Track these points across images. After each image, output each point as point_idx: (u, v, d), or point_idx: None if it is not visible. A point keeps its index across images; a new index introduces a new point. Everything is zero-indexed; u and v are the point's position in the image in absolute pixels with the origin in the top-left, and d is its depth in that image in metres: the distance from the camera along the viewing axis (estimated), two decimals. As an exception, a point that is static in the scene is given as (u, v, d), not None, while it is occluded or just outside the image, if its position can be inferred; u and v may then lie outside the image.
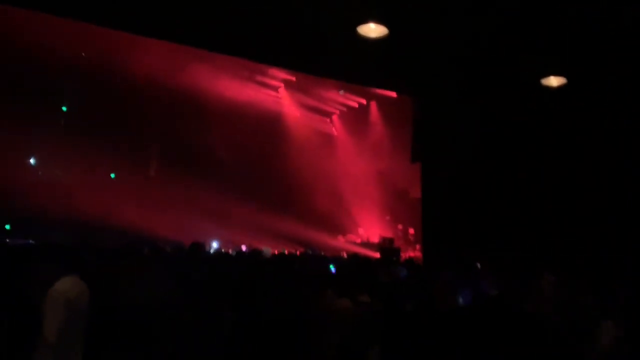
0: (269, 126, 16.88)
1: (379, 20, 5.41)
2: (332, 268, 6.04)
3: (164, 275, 4.93)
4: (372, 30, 5.58)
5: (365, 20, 5.40)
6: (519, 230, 9.04)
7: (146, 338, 4.04)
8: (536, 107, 7.65)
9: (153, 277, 5.05)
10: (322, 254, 10.54)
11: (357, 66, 7.20)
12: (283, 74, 15.75)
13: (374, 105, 17.15)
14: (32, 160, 15.31)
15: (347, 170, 17.38)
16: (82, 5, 6.02)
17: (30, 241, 13.35)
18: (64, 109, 15.55)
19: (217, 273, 5.09)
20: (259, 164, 16.56)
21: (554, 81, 6.57)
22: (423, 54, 6.57)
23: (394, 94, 15.52)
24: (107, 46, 12.60)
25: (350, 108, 17.88)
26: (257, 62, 9.52)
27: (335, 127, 18.95)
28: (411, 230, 16.43)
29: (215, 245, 12.93)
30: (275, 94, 16.90)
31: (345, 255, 11.70)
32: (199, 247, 6.34)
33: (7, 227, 13.84)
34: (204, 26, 6.08)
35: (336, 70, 7.96)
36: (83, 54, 13.41)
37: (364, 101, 17.23)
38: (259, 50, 6.90)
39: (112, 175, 15.96)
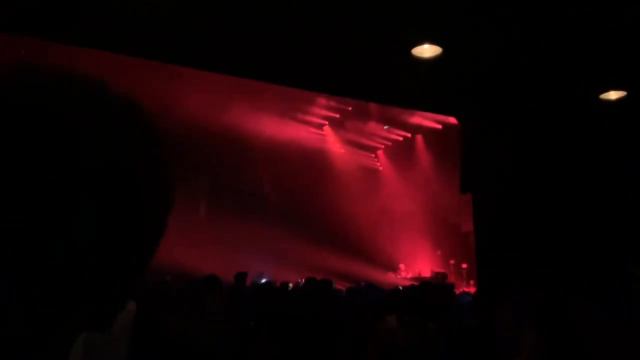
0: (314, 163, 16.99)
1: (432, 41, 5.40)
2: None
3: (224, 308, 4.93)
4: (427, 50, 5.58)
5: (419, 42, 5.41)
6: (579, 261, 8.54)
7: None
8: (594, 125, 7.38)
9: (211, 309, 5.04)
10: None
11: (407, 89, 7.17)
12: (327, 112, 15.95)
13: (419, 138, 17.04)
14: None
15: (395, 205, 17.16)
16: (115, 37, 6.23)
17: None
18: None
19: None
20: (305, 202, 16.58)
21: (613, 95, 6.35)
22: (474, 74, 6.50)
23: (439, 126, 15.42)
24: (151, 85, 13.12)
25: (395, 142, 17.83)
26: (310, 90, 9.62)
27: (381, 162, 18.89)
28: (464, 265, 15.91)
29: (263, 281, 12.85)
30: (320, 131, 17.08)
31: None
32: (243, 276, 6.36)
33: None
34: (253, 56, 6.21)
35: (387, 94, 7.96)
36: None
37: (409, 135, 17.16)
38: (311, 78, 6.99)
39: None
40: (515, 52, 5.81)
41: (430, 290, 5.90)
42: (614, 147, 7.32)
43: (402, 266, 17.11)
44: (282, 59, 6.16)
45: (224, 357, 4.16)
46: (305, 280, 5.75)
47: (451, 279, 15.43)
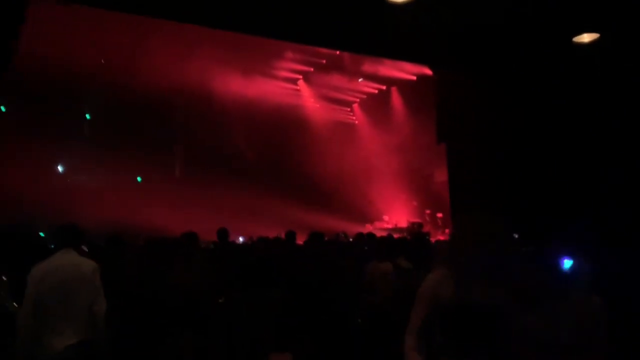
0: (289, 119, 16.86)
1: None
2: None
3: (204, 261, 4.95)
4: (400, -6, 5.48)
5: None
6: (552, 210, 8.72)
7: (198, 323, 4.03)
8: (568, 69, 7.40)
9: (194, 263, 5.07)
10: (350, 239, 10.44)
11: (381, 36, 7.06)
12: (300, 66, 15.69)
13: (394, 91, 17.00)
14: (59, 168, 15.56)
15: (371, 157, 17.26)
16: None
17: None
18: (88, 116, 15.80)
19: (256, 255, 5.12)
20: (281, 158, 16.59)
21: (586, 38, 6.37)
22: (448, 21, 6.42)
23: (414, 78, 15.36)
24: (124, 52, 12.73)
25: (370, 95, 17.74)
26: (282, 39, 9.36)
27: (357, 116, 18.85)
28: (439, 215, 16.25)
29: (242, 240, 12.93)
30: (294, 86, 16.86)
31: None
32: (225, 233, 6.39)
33: (41, 234, 14.09)
34: (221, 5, 6.01)
35: (361, 43, 7.82)
36: (102, 61, 13.55)
37: (384, 87, 17.08)
38: (283, 28, 6.83)
39: (139, 179, 16.15)
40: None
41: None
42: (588, 91, 7.39)
43: (386, 217, 17.39)
44: (255, 8, 5.99)
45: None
46: (310, 235, 5.81)
47: (427, 228, 15.77)
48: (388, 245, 4.88)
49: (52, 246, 5.17)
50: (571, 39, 6.55)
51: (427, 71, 13.00)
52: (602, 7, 5.86)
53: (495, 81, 9.24)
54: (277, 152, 16.61)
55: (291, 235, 6.44)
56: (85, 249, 5.76)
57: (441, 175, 15.34)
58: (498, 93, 9.35)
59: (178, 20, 7.37)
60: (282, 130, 16.53)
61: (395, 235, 13.03)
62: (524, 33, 6.93)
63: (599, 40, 6.47)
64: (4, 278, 3.36)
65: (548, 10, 6.22)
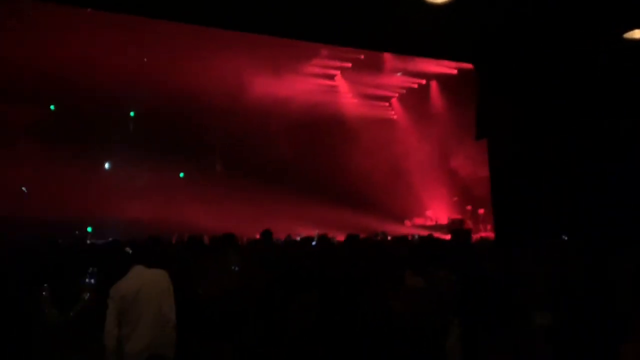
0: (327, 116, 16.79)
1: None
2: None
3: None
4: (438, -5, 5.36)
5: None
6: (595, 208, 8.40)
7: (235, 325, 4.11)
8: (618, 66, 7.07)
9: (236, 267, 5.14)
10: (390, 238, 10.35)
11: (421, 36, 6.93)
12: (338, 62, 15.61)
13: (434, 85, 16.69)
14: (106, 165, 16.09)
15: (411, 153, 17.05)
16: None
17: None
18: (132, 114, 16.25)
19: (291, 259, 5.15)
20: (319, 155, 16.56)
21: (638, 34, 6.05)
22: (490, 18, 6.23)
23: (454, 72, 15.05)
24: (167, 50, 12.99)
25: (409, 90, 17.49)
26: (321, 42, 9.37)
27: (396, 111, 18.62)
28: (481, 211, 15.93)
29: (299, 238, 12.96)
30: (332, 82, 16.79)
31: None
32: (269, 235, 6.45)
33: (89, 229, 14.64)
34: (261, 10, 6.04)
35: (399, 42, 7.71)
36: (145, 59, 13.87)
37: (423, 81, 16.80)
38: (324, 31, 6.80)
39: (181, 175, 16.53)
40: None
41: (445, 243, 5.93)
42: (636, 91, 7.05)
43: (427, 213, 17.20)
44: (293, 12, 5.98)
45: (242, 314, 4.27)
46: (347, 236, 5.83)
47: (469, 224, 15.51)
48: (425, 254, 4.79)
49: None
50: (622, 34, 6.25)
51: (468, 65, 12.68)
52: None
53: (537, 76, 8.95)
54: (315, 150, 16.61)
55: (267, 235, 6.38)
56: (129, 250, 5.91)
57: (483, 171, 15.03)
58: (540, 88, 9.06)
59: (208, 25, 7.44)
60: (320, 127, 16.51)
61: (436, 234, 12.91)
62: (569, 28, 6.67)
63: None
64: (44, 294, 3.65)
65: (597, 6, 5.95)
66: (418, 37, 6.98)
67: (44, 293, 3.66)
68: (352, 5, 5.77)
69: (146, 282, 3.84)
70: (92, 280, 4.46)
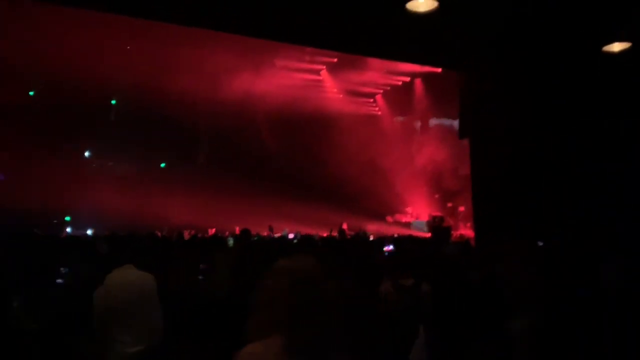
0: (311, 110, 16.72)
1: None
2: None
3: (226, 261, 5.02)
4: (422, 4, 5.38)
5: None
6: (575, 208, 8.62)
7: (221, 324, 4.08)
8: (595, 75, 7.20)
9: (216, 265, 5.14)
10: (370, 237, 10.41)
11: (404, 43, 6.98)
12: (324, 57, 15.53)
13: (418, 82, 16.73)
14: (86, 153, 15.88)
15: (393, 149, 17.13)
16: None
17: (89, 231, 14.03)
18: (114, 102, 16.02)
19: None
20: (302, 150, 16.52)
21: (617, 47, 6.16)
22: (473, 24, 6.28)
23: (438, 70, 15.11)
24: (151, 39, 12.78)
25: (394, 87, 17.51)
26: (305, 45, 9.36)
27: (380, 107, 18.65)
28: (461, 208, 16.11)
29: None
30: (317, 77, 16.71)
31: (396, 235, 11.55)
32: (247, 234, 6.43)
33: (67, 218, 14.47)
34: (246, 12, 6.01)
35: (385, 48, 7.76)
36: (128, 47, 13.65)
37: (407, 79, 16.83)
38: (307, 33, 6.79)
39: (162, 165, 16.40)
40: (516, 2, 5.59)
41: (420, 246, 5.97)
42: (615, 99, 7.20)
43: (407, 210, 17.33)
44: (278, 14, 5.96)
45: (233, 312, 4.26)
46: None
47: (449, 221, 15.68)
48: (398, 260, 4.82)
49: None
50: (601, 47, 6.35)
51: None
52: (634, 17, 5.66)
53: (519, 80, 9.08)
54: (298, 145, 16.56)
55: (246, 234, 6.36)
56: (105, 246, 5.87)
57: (464, 169, 15.20)
58: (522, 91, 9.20)
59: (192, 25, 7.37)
60: (303, 122, 16.41)
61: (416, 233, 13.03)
62: (549, 37, 6.76)
63: (630, 50, 6.26)
64: (14, 304, 3.44)
65: (577, 17, 6.04)
66: (402, 43, 7.01)
67: (15, 304, 3.48)
68: (337, 10, 5.77)
69: (130, 286, 3.64)
70: (70, 281, 4.38)
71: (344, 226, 13.30)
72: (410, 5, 5.43)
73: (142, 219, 12.44)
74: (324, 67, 16.18)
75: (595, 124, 8.15)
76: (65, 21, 11.19)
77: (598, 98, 7.84)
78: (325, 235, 11.09)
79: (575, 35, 6.29)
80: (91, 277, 3.85)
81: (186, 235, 10.88)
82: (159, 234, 10.71)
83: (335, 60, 15.41)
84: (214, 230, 12.92)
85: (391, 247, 6.74)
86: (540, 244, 6.51)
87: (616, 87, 7.32)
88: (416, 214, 16.99)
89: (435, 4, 5.43)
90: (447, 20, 5.88)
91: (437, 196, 17.05)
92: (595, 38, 6.30)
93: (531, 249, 5.78)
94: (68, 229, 14.12)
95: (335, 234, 10.36)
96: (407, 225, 16.26)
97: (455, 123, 14.34)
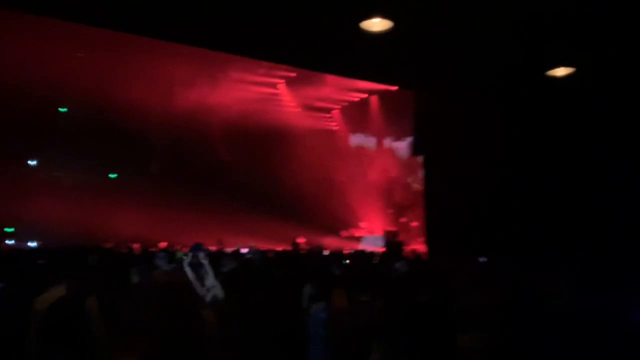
0: (267, 124, 16.63)
1: (383, 15, 5.31)
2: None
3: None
4: (376, 24, 5.49)
5: (369, 16, 5.31)
6: (522, 224, 8.93)
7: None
8: (542, 98, 7.55)
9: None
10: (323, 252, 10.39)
11: (358, 61, 7.11)
12: (282, 71, 15.55)
13: (374, 99, 17.02)
14: (33, 162, 15.24)
15: (349, 164, 17.29)
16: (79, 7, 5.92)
17: (33, 243, 13.42)
18: (64, 110, 15.47)
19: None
20: (256, 163, 16.38)
21: (561, 72, 6.48)
22: (426, 47, 6.47)
23: (395, 87, 15.42)
24: (103, 46, 12.44)
25: (351, 103, 17.74)
26: (260, 59, 9.39)
27: (337, 122, 18.82)
28: (414, 224, 16.38)
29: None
30: (274, 90, 16.71)
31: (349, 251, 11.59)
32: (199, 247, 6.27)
33: (8, 229, 13.79)
34: (204, 25, 5.97)
35: (338, 65, 7.87)
36: (78, 54, 13.25)
37: (365, 95, 17.10)
38: (262, 47, 6.81)
39: (112, 176, 15.92)
40: (463, 26, 5.80)
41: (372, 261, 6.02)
42: (559, 122, 7.56)
43: (362, 224, 17.45)
44: (234, 29, 5.95)
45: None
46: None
47: (402, 236, 15.88)
48: (352, 276, 4.85)
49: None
50: (545, 72, 6.67)
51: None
52: (579, 40, 5.97)
53: (472, 99, 9.39)
54: (252, 158, 16.41)
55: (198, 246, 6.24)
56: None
57: (416, 185, 15.52)
58: (475, 110, 9.50)
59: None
60: (259, 135, 16.29)
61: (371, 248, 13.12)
62: (498, 59, 7.04)
63: (574, 75, 6.60)
64: None
65: (524, 41, 6.31)
66: (356, 62, 7.14)
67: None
68: (292, 25, 5.82)
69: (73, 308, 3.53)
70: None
71: (300, 240, 13.25)
72: (364, 25, 5.55)
73: (90, 232, 12.03)
74: (283, 80, 16.20)
75: (542, 143, 8.50)
76: (13, 26, 10.77)
77: (543, 118, 8.19)
78: (279, 249, 11.03)
79: (521, 59, 6.59)
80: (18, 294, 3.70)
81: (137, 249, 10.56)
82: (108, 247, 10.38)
83: (294, 74, 15.46)
84: (165, 243, 12.59)
85: (347, 261, 6.77)
86: (484, 259, 6.71)
87: (558, 109, 7.68)
88: (370, 229, 17.14)
89: (390, 24, 5.56)
90: (402, 39, 6.03)
91: (390, 211, 17.28)
92: (540, 63, 6.61)
93: (479, 269, 5.95)
94: (10, 241, 13.45)
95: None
96: (360, 239, 16.37)
97: (410, 140, 14.67)
